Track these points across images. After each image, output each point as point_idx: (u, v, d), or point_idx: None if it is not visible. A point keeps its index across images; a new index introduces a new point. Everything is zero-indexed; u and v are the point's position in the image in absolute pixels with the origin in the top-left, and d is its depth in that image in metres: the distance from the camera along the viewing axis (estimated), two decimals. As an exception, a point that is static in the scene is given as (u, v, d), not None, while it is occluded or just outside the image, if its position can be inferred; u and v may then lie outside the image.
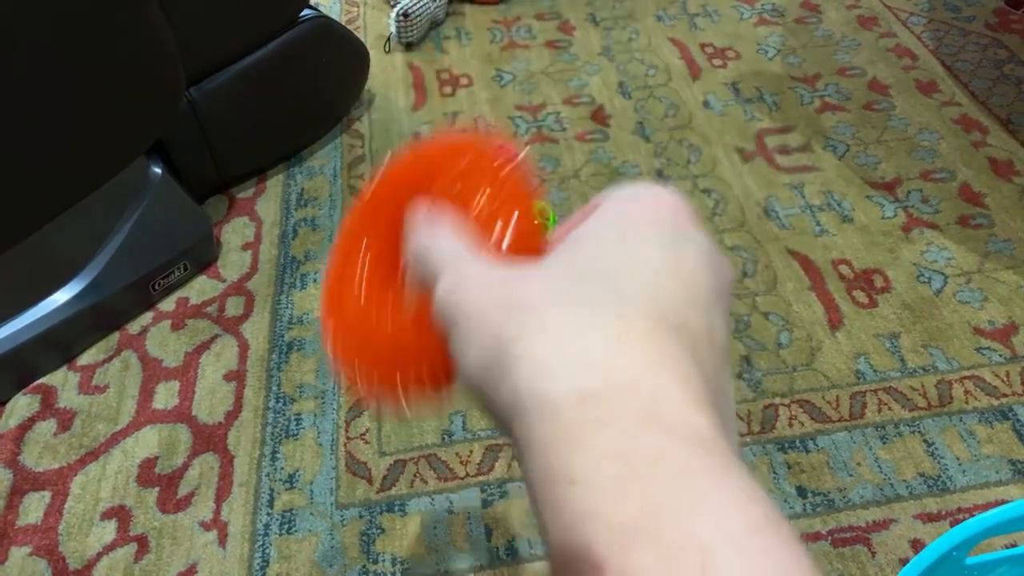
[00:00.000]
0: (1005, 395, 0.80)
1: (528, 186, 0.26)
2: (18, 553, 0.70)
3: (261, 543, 0.71)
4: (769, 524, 0.15)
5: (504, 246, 0.24)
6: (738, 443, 0.20)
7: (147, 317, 0.89)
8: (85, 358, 0.85)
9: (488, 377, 0.20)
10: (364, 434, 0.78)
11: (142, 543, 0.71)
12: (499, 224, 0.25)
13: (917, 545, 0.69)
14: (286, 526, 0.72)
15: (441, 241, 0.24)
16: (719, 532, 0.15)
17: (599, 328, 0.18)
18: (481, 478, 0.74)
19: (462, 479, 0.74)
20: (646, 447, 0.16)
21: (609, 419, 0.17)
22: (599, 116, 1.15)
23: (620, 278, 0.20)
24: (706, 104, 1.16)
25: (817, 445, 0.77)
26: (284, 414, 0.80)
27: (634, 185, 0.23)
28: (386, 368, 0.28)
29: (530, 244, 0.25)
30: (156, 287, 0.88)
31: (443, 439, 0.78)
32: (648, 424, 0.17)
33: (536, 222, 0.25)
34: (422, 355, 0.26)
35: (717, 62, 1.24)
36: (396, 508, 0.73)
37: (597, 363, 0.18)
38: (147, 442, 0.78)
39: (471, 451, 0.76)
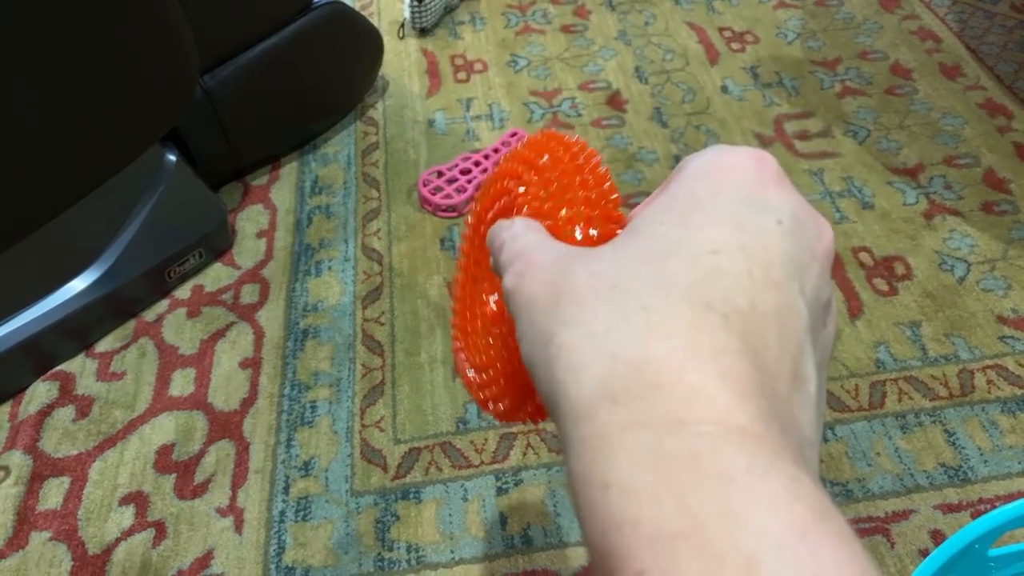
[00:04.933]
0: (1029, 385, 0.79)
1: (605, 181, 0.26)
2: (38, 538, 0.71)
3: (277, 529, 0.71)
4: (816, 521, 0.15)
5: (579, 237, 0.24)
6: (815, 424, 0.18)
7: (163, 304, 0.89)
8: (102, 345, 0.85)
9: (536, 371, 0.19)
10: (379, 422, 0.78)
11: (160, 529, 0.71)
12: (579, 219, 0.25)
13: (937, 536, 0.69)
14: (301, 513, 0.72)
15: (514, 236, 0.23)
16: (762, 537, 0.14)
17: (634, 321, 0.17)
18: (496, 466, 0.74)
19: (477, 467, 0.74)
20: (680, 449, 0.15)
21: (641, 420, 0.16)
22: (615, 101, 1.13)
23: (672, 264, 0.18)
24: (724, 89, 1.15)
25: (836, 435, 0.76)
26: (299, 401, 0.80)
27: (712, 151, 0.22)
28: (498, 383, 0.28)
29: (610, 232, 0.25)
30: (172, 275, 0.89)
31: (458, 427, 0.77)
32: (681, 424, 0.16)
33: (615, 211, 0.25)
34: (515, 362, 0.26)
35: (735, 46, 1.22)
36: (411, 495, 0.73)
37: (628, 360, 0.17)
38: (164, 429, 0.78)
39: (486, 439, 0.76)
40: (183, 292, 0.90)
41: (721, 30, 1.25)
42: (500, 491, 0.73)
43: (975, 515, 0.70)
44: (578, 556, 0.68)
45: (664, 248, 0.19)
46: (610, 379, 0.17)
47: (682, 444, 0.15)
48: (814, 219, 0.21)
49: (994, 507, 0.70)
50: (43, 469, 0.75)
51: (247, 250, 0.95)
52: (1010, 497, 0.71)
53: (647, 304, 0.17)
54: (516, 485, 0.73)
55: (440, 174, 1.01)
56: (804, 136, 1.07)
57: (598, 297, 0.18)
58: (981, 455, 0.74)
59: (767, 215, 0.19)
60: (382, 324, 0.87)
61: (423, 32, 1.27)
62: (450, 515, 0.71)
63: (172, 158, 0.87)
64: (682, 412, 0.16)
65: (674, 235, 0.19)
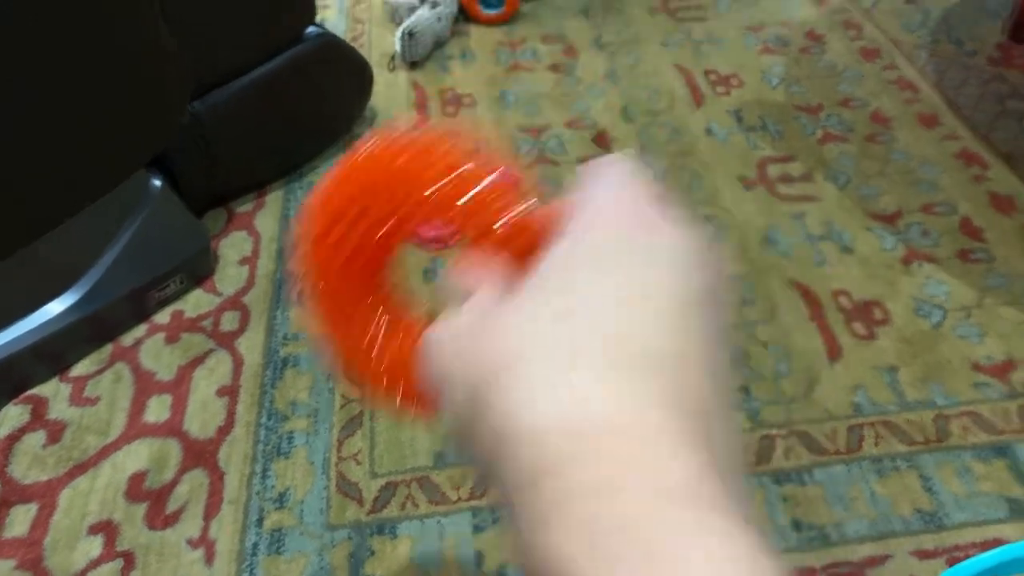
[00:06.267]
0: (1002, 432, 0.80)
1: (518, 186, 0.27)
2: (3, 567, 0.69)
3: (248, 563, 0.70)
4: None
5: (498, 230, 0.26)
6: (735, 459, 0.19)
7: (141, 329, 0.88)
8: (77, 369, 0.84)
9: (465, 423, 0.21)
10: (356, 454, 0.78)
11: (128, 559, 0.70)
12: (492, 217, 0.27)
13: (912, 583, 0.69)
14: (275, 546, 0.71)
15: (456, 281, 0.25)
16: None
17: (560, 393, 0.18)
18: (473, 503, 0.74)
19: (454, 503, 0.74)
20: (614, 519, 0.16)
21: (576, 491, 0.17)
22: (601, 140, 1.15)
23: (587, 318, 0.19)
24: (708, 131, 1.17)
25: (813, 478, 0.76)
26: (276, 431, 0.79)
27: (596, 177, 0.23)
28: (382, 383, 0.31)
29: (527, 240, 0.25)
30: (151, 300, 0.88)
31: (436, 462, 0.77)
32: (617, 492, 0.16)
33: (525, 213, 0.26)
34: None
35: (720, 89, 1.25)
36: (387, 530, 0.72)
37: (560, 431, 0.18)
38: (137, 456, 0.77)
39: (464, 475, 0.76)
40: (162, 317, 0.89)
41: (707, 72, 1.28)
42: (477, 528, 0.72)
43: (950, 562, 0.70)
44: (554, 596, 0.68)
45: (574, 303, 0.19)
46: (561, 443, 0.17)
47: (615, 513, 0.16)
48: (705, 255, 0.21)
49: (968, 554, 0.71)
50: (10, 495, 0.74)
51: (229, 277, 0.94)
52: (984, 544, 0.71)
53: (571, 366, 0.18)
54: (493, 523, 0.72)
55: (426, 206, 1.01)
56: (786, 180, 1.09)
57: (525, 363, 0.19)
58: (956, 501, 0.74)
59: (662, 256, 0.20)
60: (363, 355, 0.86)
61: (413, 65, 1.28)
62: (425, 551, 0.70)
63: (157, 183, 0.87)
64: (617, 480, 0.16)
65: (583, 287, 0.20)
